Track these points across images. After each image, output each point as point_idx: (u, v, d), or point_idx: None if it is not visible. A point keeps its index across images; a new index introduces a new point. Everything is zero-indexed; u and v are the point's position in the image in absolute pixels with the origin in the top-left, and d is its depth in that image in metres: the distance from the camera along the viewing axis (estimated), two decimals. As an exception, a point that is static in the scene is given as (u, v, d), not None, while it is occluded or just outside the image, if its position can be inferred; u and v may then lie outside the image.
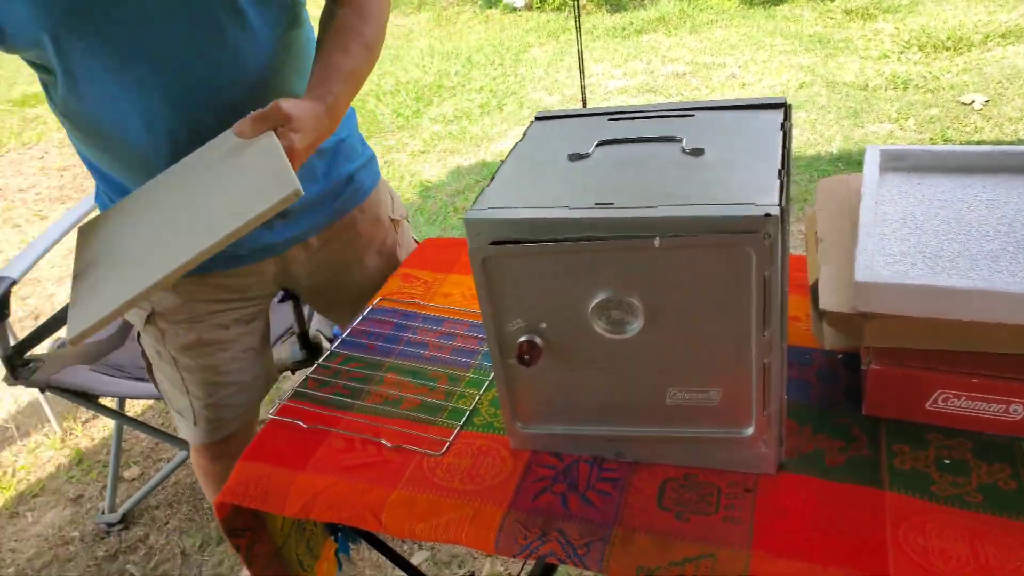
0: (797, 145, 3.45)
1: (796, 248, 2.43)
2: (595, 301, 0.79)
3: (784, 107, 0.91)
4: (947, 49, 4.25)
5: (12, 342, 1.55)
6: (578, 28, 2.66)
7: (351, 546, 1.24)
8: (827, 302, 0.90)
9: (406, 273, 1.33)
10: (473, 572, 1.70)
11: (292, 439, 1.00)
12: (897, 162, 1.07)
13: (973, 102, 3.56)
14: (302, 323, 1.51)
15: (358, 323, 1.20)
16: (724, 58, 4.67)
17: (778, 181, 0.75)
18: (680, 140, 0.86)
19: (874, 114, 3.62)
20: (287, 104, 0.98)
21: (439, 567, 1.70)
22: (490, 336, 0.84)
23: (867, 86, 3.93)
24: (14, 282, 1.53)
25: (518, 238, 0.78)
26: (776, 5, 5.53)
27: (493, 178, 0.87)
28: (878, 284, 0.84)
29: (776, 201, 0.71)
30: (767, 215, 0.70)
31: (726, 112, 0.93)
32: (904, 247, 0.92)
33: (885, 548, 0.75)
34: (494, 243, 0.79)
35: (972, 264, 0.87)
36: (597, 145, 0.89)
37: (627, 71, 4.74)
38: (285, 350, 1.62)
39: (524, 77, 4.86)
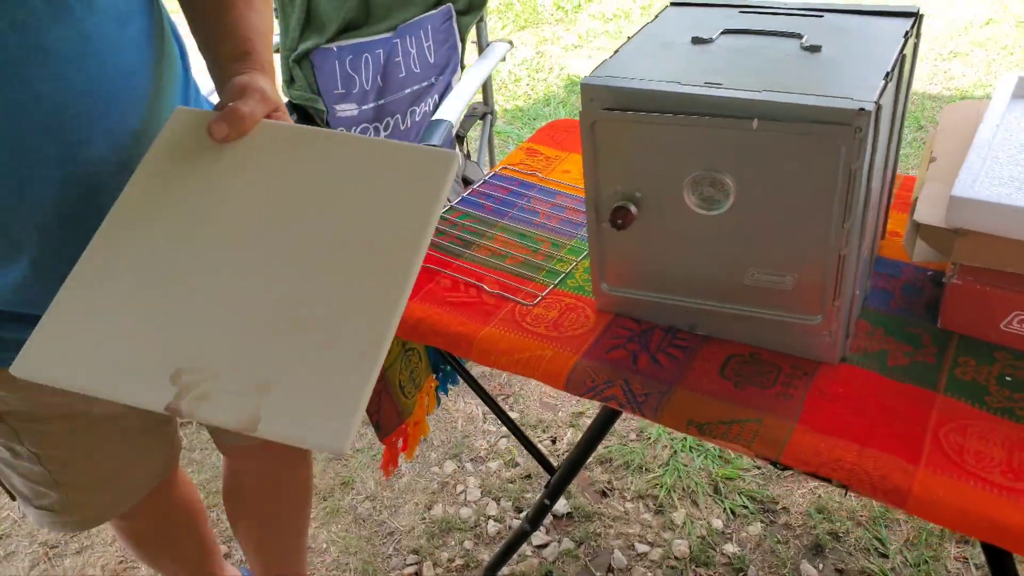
0: (966, 85, 3.22)
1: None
2: (690, 176, 0.85)
3: (915, 16, 0.91)
4: None
5: None
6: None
7: (450, 387, 1.39)
8: (922, 214, 0.92)
9: (530, 148, 1.42)
10: (555, 438, 1.84)
11: (407, 272, 1.13)
12: (1035, 89, 1.04)
13: None
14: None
15: (479, 185, 1.31)
16: (911, -18, 4.32)
17: (882, 81, 0.77)
18: (801, 36, 0.89)
19: (1066, 59, 3.31)
20: (262, 83, 0.78)
21: (524, 428, 1.86)
22: (589, 198, 0.93)
23: (1067, 28, 3.57)
24: (452, 125, 1.62)
25: (628, 107, 0.85)
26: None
27: (616, 51, 0.93)
28: (974, 201, 0.86)
29: (874, 98, 0.75)
30: (860, 110, 0.73)
31: (856, 15, 0.94)
32: (1015, 172, 0.91)
33: (923, 441, 0.80)
34: (606, 109, 0.86)
35: (1082, 195, 0.87)
36: (721, 33, 0.93)
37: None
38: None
39: None
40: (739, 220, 0.86)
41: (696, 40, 0.92)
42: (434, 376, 1.33)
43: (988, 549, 0.86)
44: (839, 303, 0.86)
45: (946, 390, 0.86)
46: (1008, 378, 0.86)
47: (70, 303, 0.68)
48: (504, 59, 2.01)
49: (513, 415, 1.90)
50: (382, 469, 1.30)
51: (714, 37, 0.92)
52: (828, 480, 0.80)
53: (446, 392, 1.38)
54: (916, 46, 0.94)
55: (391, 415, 1.22)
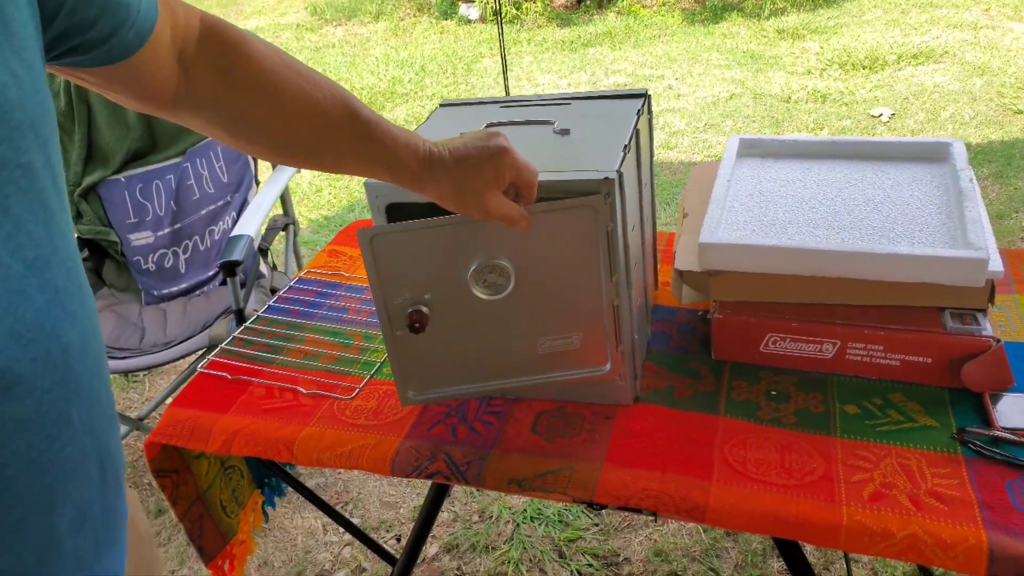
0: (721, 151, 3.65)
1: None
2: (472, 268, 0.91)
3: (644, 96, 1.07)
4: (864, 67, 4.52)
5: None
6: (500, 24, 2.81)
7: (285, 503, 1.36)
8: (681, 262, 1.06)
9: (333, 250, 1.46)
10: (399, 536, 1.82)
11: (217, 389, 1.12)
12: (752, 149, 1.24)
13: (881, 115, 3.82)
14: (238, 301, 1.63)
15: (284, 292, 1.33)
16: (663, 71, 4.88)
17: (622, 153, 0.90)
18: (553, 123, 1.01)
19: (794, 124, 3.86)
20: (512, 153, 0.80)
21: (367, 531, 1.82)
22: (380, 310, 0.93)
23: (790, 99, 4.17)
24: (251, 239, 1.63)
25: (410, 200, 0.92)
26: (715, 23, 5.78)
27: (393, 153, 1.01)
28: (718, 244, 1.00)
29: (615, 167, 0.87)
30: (605, 178, 0.85)
31: (596, 100, 1.08)
32: (747, 217, 1.08)
33: (712, 459, 0.90)
34: (390, 206, 0.93)
35: (798, 229, 1.04)
36: (486, 126, 1.04)
37: (572, 81, 4.93)
38: (223, 326, 1.73)
39: (475, 85, 5.02)
40: (524, 297, 0.91)
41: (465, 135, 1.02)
42: (259, 491, 1.30)
43: (780, 544, 0.97)
44: (623, 348, 0.96)
45: (726, 411, 0.97)
46: (773, 392, 0.99)
47: None
48: (300, 170, 2.06)
49: (355, 520, 1.86)
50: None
51: (496, 121, 1.02)
52: (639, 510, 0.87)
53: (273, 506, 1.35)
54: (649, 120, 1.09)
55: (214, 538, 1.18)
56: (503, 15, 6.38)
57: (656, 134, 3.98)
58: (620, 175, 0.87)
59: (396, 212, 0.95)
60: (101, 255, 1.99)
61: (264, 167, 2.08)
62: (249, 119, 0.73)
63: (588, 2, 6.58)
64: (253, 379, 1.13)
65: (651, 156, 1.11)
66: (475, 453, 0.96)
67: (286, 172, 1.98)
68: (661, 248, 1.35)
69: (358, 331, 1.21)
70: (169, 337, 1.81)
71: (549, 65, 5.26)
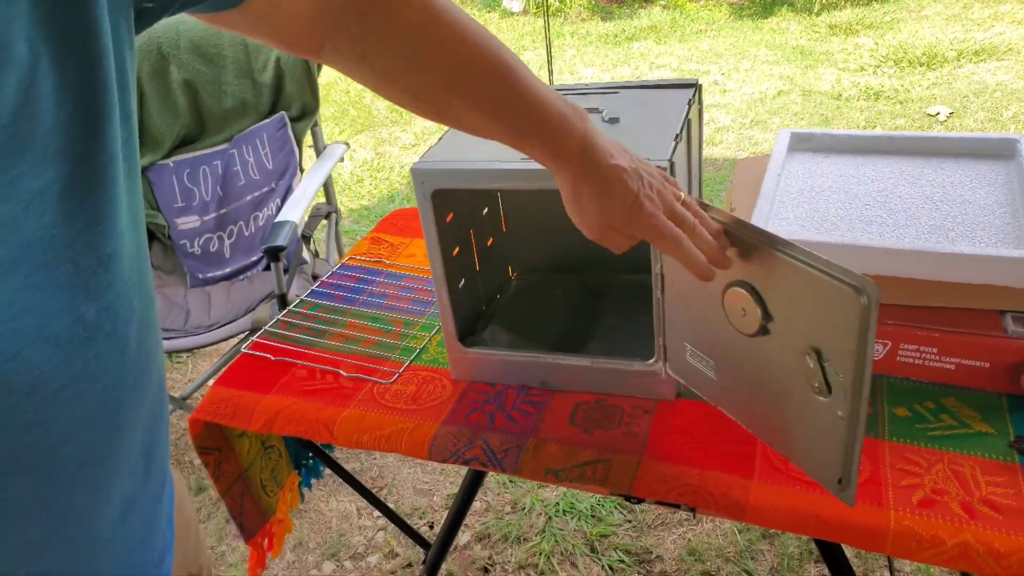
0: (767, 148, 3.60)
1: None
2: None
3: (694, 86, 1.05)
4: (921, 64, 4.41)
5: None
6: (546, 14, 2.79)
7: (321, 486, 1.38)
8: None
9: (375, 237, 1.47)
10: (432, 523, 1.83)
11: (260, 369, 1.13)
12: (804, 143, 1.21)
13: (938, 114, 3.72)
14: (282, 286, 1.65)
15: (327, 277, 1.34)
16: (709, 66, 4.82)
17: (673, 142, 0.89)
18: (601, 111, 1.00)
19: (844, 121, 3.78)
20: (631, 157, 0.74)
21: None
22: (435, 263, 0.97)
23: (841, 96, 4.09)
24: (296, 225, 1.67)
25: (456, 186, 0.92)
26: (764, 18, 5.69)
27: (440, 139, 1.01)
28: (766, 239, 0.98)
29: (667, 156, 0.85)
30: (658, 167, 0.83)
31: (646, 89, 1.07)
32: (797, 213, 1.06)
33: (754, 457, 0.89)
34: (437, 191, 0.93)
35: (850, 227, 1.01)
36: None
37: (615, 75, 4.89)
38: (266, 310, 1.75)
39: (516, 79, 5.01)
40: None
41: (511, 122, 1.02)
42: (296, 472, 1.32)
43: (821, 546, 0.95)
44: (667, 342, 0.95)
45: (768, 409, 0.95)
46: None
47: None
48: (343, 160, 2.08)
49: (389, 506, 1.87)
50: (250, 574, 1.25)
51: (527, 118, 1.02)
52: (677, 505, 0.86)
53: (309, 487, 1.36)
54: (700, 111, 1.08)
55: (254, 515, 1.19)
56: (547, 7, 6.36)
57: (700, 130, 3.93)
58: (672, 164, 0.85)
59: (443, 198, 0.95)
60: (149, 238, 2.03)
61: (308, 155, 2.10)
62: (394, 71, 0.68)
63: (634, -4, 6.52)
64: (295, 361, 1.14)
65: (700, 148, 1.09)
66: (513, 441, 0.95)
67: (330, 161, 2.00)
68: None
69: (398, 317, 1.22)
70: (213, 319, 1.84)
71: (592, 59, 5.23)
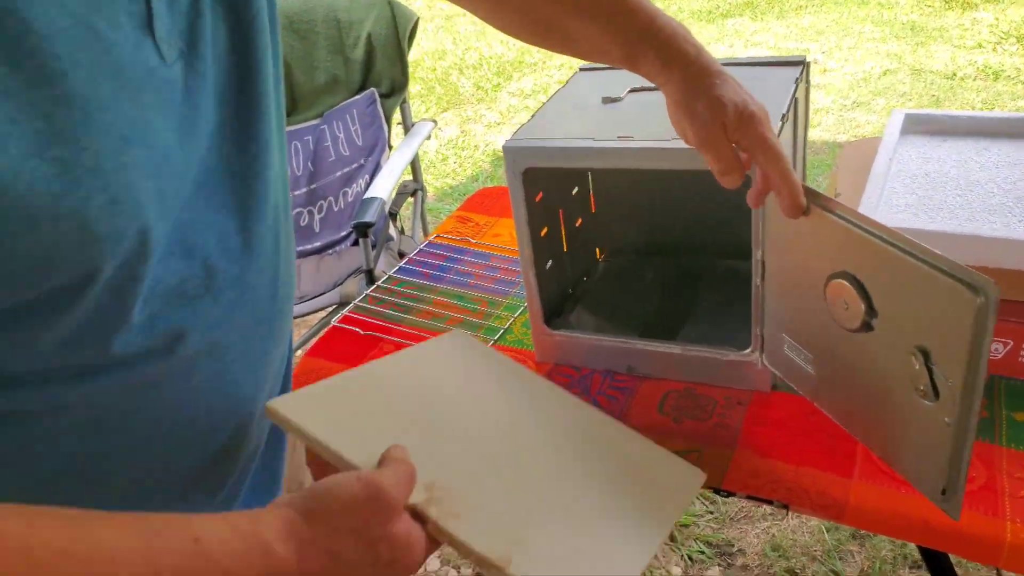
0: (869, 131, 3.43)
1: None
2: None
3: (802, 64, 0.99)
4: (1045, 41, 4.12)
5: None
6: None
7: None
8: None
9: (461, 215, 1.46)
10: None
11: (350, 343, 1.14)
12: (919, 125, 1.13)
13: (1063, 95, 3.47)
14: (369, 262, 1.66)
15: (415, 254, 1.34)
16: (809, 44, 4.62)
17: (779, 122, 0.84)
18: (701, 89, 0.96)
19: (957, 103, 3.56)
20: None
21: None
22: (524, 243, 0.96)
23: (955, 75, 3.86)
24: (384, 202, 1.71)
25: (547, 165, 0.90)
26: (870, -7, 5.42)
27: (533, 115, 0.98)
28: (875, 226, 0.92)
29: (772, 138, 0.81)
30: (760, 148, 0.79)
31: (751, 67, 1.02)
32: (910, 199, 0.99)
33: (854, 455, 0.84)
34: (528, 170, 0.91)
35: (971, 215, 0.94)
36: (629, 91, 1.00)
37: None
38: (354, 285, 1.78)
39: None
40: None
41: (606, 99, 0.99)
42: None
43: (926, 554, 0.90)
44: (764, 332, 0.90)
45: (871, 406, 0.90)
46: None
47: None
48: (430, 137, 2.08)
49: None
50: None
51: (622, 96, 0.98)
52: (769, 501, 0.82)
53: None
54: (807, 90, 1.02)
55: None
56: (640, -16, 6.21)
57: (797, 111, 3.78)
58: (776, 146, 0.81)
59: (534, 177, 0.93)
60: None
61: (396, 132, 2.11)
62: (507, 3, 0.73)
63: (730, -29, 6.30)
64: (384, 336, 1.14)
65: (806, 130, 1.04)
66: (599, 428, 0.93)
67: (417, 138, 2.01)
68: (805, 229, 1.27)
69: (483, 296, 1.21)
70: (302, 292, 1.88)
71: (685, 36, 5.08)
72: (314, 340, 1.18)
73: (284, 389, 0.72)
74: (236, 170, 0.54)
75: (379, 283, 1.27)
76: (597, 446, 0.76)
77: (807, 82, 1.00)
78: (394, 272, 1.30)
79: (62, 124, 0.39)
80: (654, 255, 1.22)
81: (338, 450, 0.58)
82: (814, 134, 3.53)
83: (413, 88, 4.68)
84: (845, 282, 0.72)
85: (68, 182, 0.40)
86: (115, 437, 0.51)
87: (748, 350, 0.93)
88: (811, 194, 0.72)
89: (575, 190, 1.13)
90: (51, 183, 0.39)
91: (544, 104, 1.02)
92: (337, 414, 0.63)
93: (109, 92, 0.42)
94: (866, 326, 0.72)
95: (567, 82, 1.08)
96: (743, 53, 4.69)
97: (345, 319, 1.19)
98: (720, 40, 4.94)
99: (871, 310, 0.71)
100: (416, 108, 4.43)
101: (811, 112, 3.70)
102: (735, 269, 1.11)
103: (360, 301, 1.23)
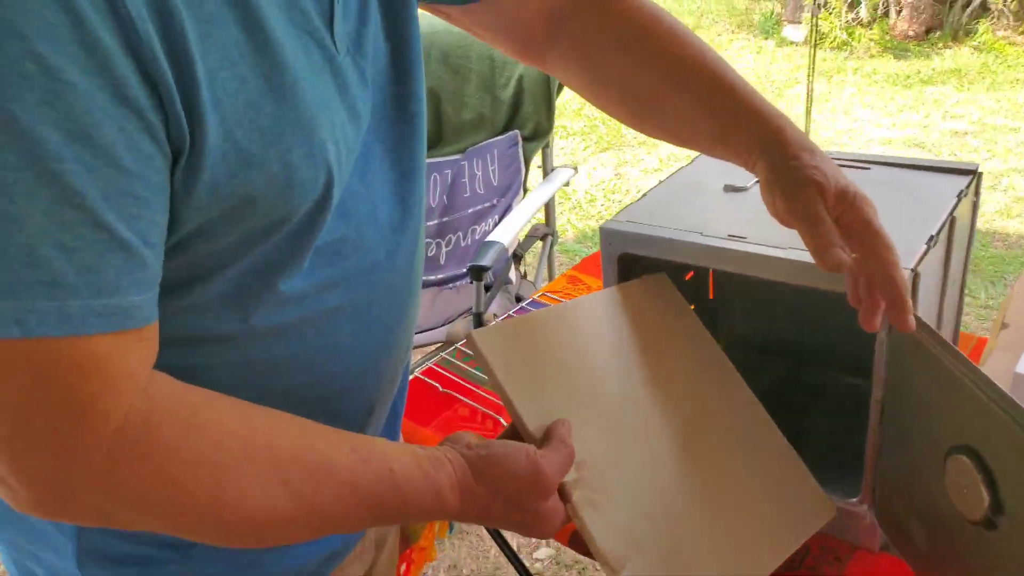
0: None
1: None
2: None
3: (972, 175, 0.85)
4: None
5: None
6: (812, 47, 2.53)
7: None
8: (979, 389, 0.83)
9: (573, 276, 1.38)
10: (592, 582, 1.71)
11: (426, 397, 1.09)
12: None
13: None
14: (479, 305, 1.62)
15: (515, 310, 1.28)
16: (1020, 122, 4.19)
17: (924, 246, 0.71)
18: (841, 189, 0.83)
19: None
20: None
21: (559, 568, 1.74)
22: None
23: None
24: (504, 247, 1.64)
25: (644, 254, 0.81)
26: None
27: (644, 195, 0.90)
28: (1038, 381, 0.76)
29: (911, 265, 0.68)
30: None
31: (906, 170, 0.88)
32: (1091, 350, 0.81)
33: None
34: (623, 256, 0.82)
35: None
36: (756, 183, 0.88)
37: (898, 122, 4.42)
38: (461, 325, 1.74)
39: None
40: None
41: (728, 188, 0.88)
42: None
43: None
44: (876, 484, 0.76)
45: (1001, 600, 0.73)
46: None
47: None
48: (568, 184, 2.02)
49: (547, 551, 1.79)
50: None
51: (748, 186, 0.88)
52: None
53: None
54: (975, 205, 0.87)
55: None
56: (829, 40, 5.91)
57: (997, 197, 3.40)
58: (916, 274, 0.68)
59: (630, 264, 0.84)
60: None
61: (534, 175, 2.07)
62: (612, 68, 0.72)
63: (939, 32, 5.87)
64: (460, 397, 1.09)
65: (968, 254, 0.88)
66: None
67: (554, 184, 1.95)
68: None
69: (577, 373, 1.12)
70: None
71: (874, 100, 4.77)
72: (418, 374, 1.13)
73: (402, 388, 0.74)
74: (392, 163, 0.61)
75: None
76: (746, 449, 0.75)
77: (976, 195, 0.85)
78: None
79: (277, 85, 0.47)
80: (774, 355, 1.09)
81: (514, 402, 0.62)
82: (1011, 225, 3.16)
83: (576, 125, 4.66)
84: (966, 459, 0.58)
85: (277, 134, 0.47)
86: (269, 386, 0.56)
87: (856, 499, 0.79)
88: (926, 331, 0.59)
89: (689, 275, 1.03)
90: (264, 134, 0.46)
91: (661, 182, 0.93)
92: (523, 360, 0.66)
93: (306, 65, 0.49)
94: (988, 523, 0.57)
95: (693, 160, 0.98)
96: (938, 125, 4.31)
97: (428, 371, 1.14)
98: (914, 108, 4.58)
99: (996, 505, 0.56)
100: (574, 146, 4.40)
101: (1012, 200, 3.33)
102: (860, 391, 0.96)
103: (448, 354, 1.18)
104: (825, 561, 0.80)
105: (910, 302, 0.59)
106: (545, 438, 0.61)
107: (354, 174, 0.57)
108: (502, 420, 1.03)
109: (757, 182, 0.87)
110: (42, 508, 0.45)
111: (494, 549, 1.81)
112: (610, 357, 0.73)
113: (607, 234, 0.83)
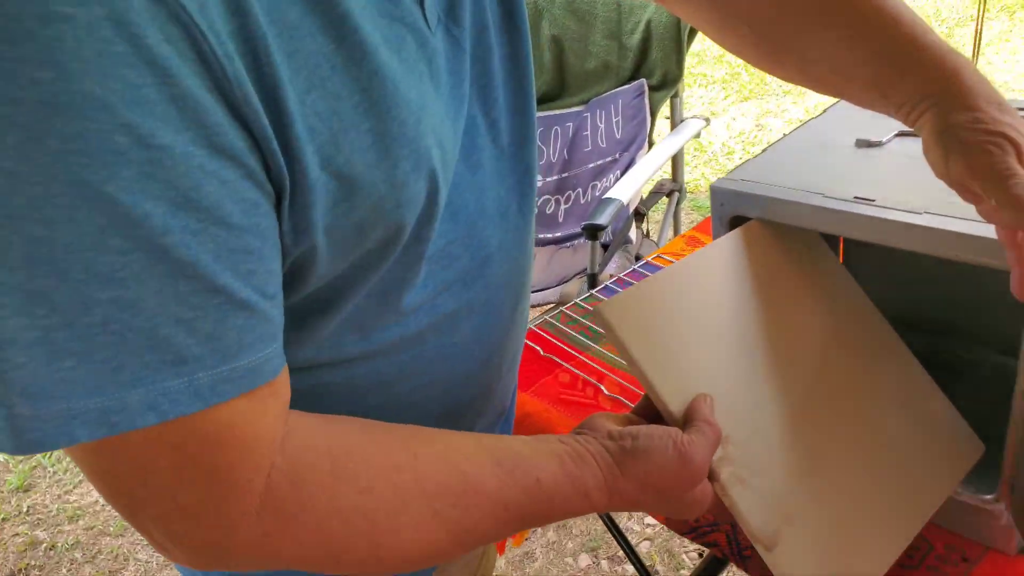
0: None
1: None
2: None
3: None
4: None
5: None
6: None
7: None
8: None
9: (692, 236, 1.31)
10: (702, 552, 1.67)
11: (527, 361, 1.07)
12: None
13: None
14: (594, 266, 1.58)
15: (626, 273, 1.23)
16: None
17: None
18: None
19: None
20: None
21: (669, 539, 1.70)
22: None
23: None
24: (622, 205, 1.61)
25: (759, 216, 0.74)
26: None
27: (765, 150, 0.82)
28: None
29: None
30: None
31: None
32: None
33: None
34: (735, 217, 0.76)
35: None
36: (895, 135, 0.79)
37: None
38: (575, 286, 1.71)
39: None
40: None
41: (861, 143, 0.79)
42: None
43: None
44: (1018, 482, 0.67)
45: None
46: None
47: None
48: (699, 135, 1.92)
49: (648, 544, 1.75)
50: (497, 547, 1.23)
51: (884, 140, 0.78)
52: None
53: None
54: None
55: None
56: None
57: None
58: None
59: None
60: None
61: (663, 127, 1.98)
62: (744, 12, 0.63)
63: None
64: (562, 362, 1.06)
65: None
66: (768, 540, 0.76)
67: (681, 137, 1.86)
68: None
69: (688, 339, 1.07)
70: (530, 281, 1.85)
71: (1057, 41, 4.24)
72: None
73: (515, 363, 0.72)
74: (495, 138, 0.57)
75: (578, 300, 1.18)
76: (889, 399, 0.71)
77: None
78: (598, 290, 1.20)
79: (376, 97, 0.42)
80: (911, 328, 0.98)
81: (653, 382, 0.59)
82: None
83: (717, 72, 4.44)
84: None
85: (381, 151, 0.43)
86: (393, 392, 0.56)
87: (992, 496, 0.70)
88: None
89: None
90: (366, 153, 0.42)
91: (784, 136, 0.84)
92: (654, 331, 0.61)
93: (399, 64, 0.44)
94: None
95: (825, 111, 0.89)
96: None
97: (530, 334, 1.12)
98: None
99: None
100: (714, 95, 4.20)
101: None
102: (1006, 372, 0.86)
103: (553, 317, 1.15)
104: (950, 561, 0.72)
105: None
106: (688, 419, 0.57)
107: (459, 160, 0.53)
108: (603, 388, 0.99)
109: (895, 135, 0.78)
110: (201, 568, 0.45)
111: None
112: (745, 314, 0.67)
113: (718, 193, 0.76)
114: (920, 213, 0.65)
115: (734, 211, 0.76)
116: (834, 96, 0.65)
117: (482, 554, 0.82)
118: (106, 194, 0.34)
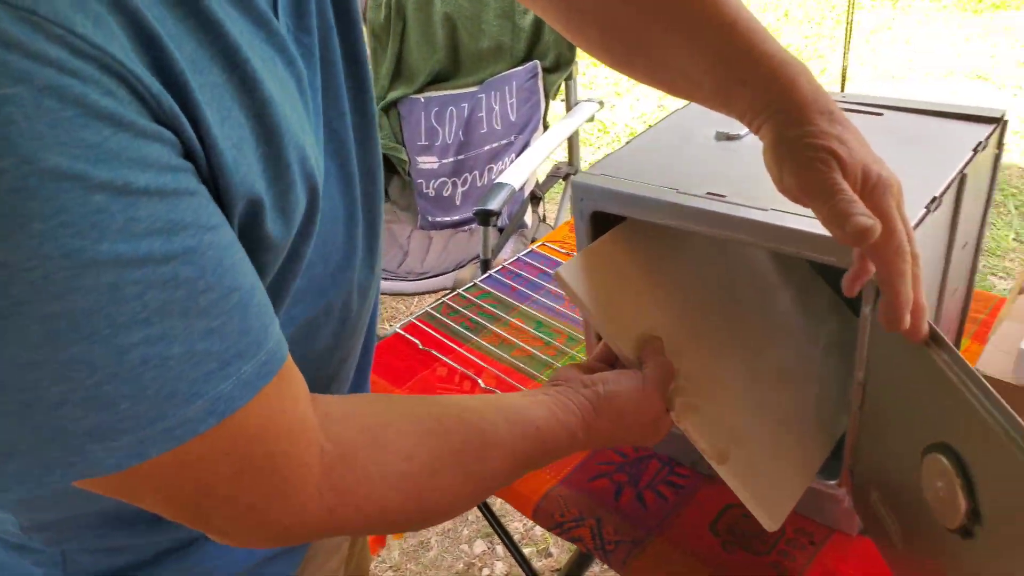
0: None
1: None
2: None
3: (996, 123, 0.75)
4: None
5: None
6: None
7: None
8: (985, 363, 0.75)
9: (577, 223, 1.31)
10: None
11: (404, 356, 1.05)
12: None
13: None
14: (487, 251, 1.57)
15: (510, 262, 1.22)
16: (1096, 53, 3.88)
17: (922, 211, 0.62)
18: (842, 140, 0.74)
19: None
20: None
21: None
22: None
23: None
24: (514, 190, 1.56)
25: (617, 212, 0.74)
26: None
27: (626, 144, 0.82)
28: (1048, 361, 0.68)
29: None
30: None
31: (921, 116, 0.78)
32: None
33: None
34: (595, 214, 0.76)
35: None
36: (752, 129, 0.80)
37: (961, 52, 4.13)
38: (469, 272, 1.69)
39: (838, 41, 4.43)
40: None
41: (720, 136, 0.80)
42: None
43: None
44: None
45: (989, 598, 0.67)
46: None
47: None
48: (592, 119, 1.93)
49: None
50: (372, 543, 1.22)
51: (743, 134, 0.79)
52: None
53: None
54: (997, 158, 0.77)
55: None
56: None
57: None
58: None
59: (601, 223, 0.77)
60: (390, 171, 2.05)
61: (557, 109, 1.98)
62: (589, 10, 0.63)
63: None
64: (440, 356, 1.04)
65: (986, 206, 0.79)
66: (631, 532, 0.78)
67: (575, 118, 1.86)
68: (983, 317, 1.00)
69: (565, 329, 1.07)
70: (425, 268, 1.82)
71: (939, 28, 4.45)
72: (399, 329, 1.09)
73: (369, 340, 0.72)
74: (342, 140, 0.57)
75: (461, 290, 1.17)
76: (814, 340, 0.81)
77: (998, 148, 0.76)
78: (480, 280, 1.19)
79: (268, 124, 0.43)
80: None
81: (608, 330, 0.67)
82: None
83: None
84: (943, 459, 0.52)
85: (272, 177, 0.44)
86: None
87: (835, 481, 0.73)
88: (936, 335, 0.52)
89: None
90: (260, 178, 0.43)
91: (644, 131, 0.85)
92: (610, 287, 0.69)
93: (278, 87, 0.44)
94: (965, 531, 0.51)
95: (688, 104, 0.89)
96: (1007, 53, 4.01)
97: (410, 327, 1.10)
98: (983, 37, 4.27)
99: (974, 513, 0.50)
100: (618, 76, 4.23)
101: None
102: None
103: (432, 308, 1.13)
104: (798, 545, 0.74)
105: (907, 320, 0.51)
106: (643, 359, 0.66)
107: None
108: (480, 382, 0.99)
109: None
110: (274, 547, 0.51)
111: (498, 503, 1.80)
112: (684, 264, 0.76)
113: (578, 188, 0.75)
114: (767, 210, 0.66)
115: (594, 206, 0.75)
116: (688, 100, 0.65)
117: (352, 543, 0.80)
118: (102, 252, 0.34)
